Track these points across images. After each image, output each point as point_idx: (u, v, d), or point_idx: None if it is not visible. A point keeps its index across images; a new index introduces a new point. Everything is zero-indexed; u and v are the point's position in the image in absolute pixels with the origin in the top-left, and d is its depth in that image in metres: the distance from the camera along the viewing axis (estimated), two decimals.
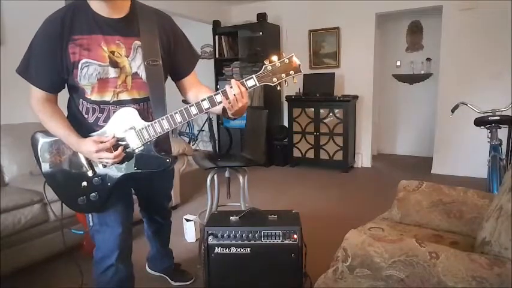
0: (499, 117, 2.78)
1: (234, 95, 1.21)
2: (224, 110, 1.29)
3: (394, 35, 5.49)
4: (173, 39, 1.39)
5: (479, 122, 2.87)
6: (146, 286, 1.89)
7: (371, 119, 4.89)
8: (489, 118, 2.81)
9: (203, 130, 5.83)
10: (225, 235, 1.63)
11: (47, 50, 1.22)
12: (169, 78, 1.47)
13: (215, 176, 2.30)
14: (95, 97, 1.29)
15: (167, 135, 1.43)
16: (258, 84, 1.23)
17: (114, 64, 1.26)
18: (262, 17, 4.81)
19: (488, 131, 2.85)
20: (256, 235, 1.62)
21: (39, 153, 1.34)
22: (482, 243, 1.12)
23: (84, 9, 1.23)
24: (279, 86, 1.25)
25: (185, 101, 1.45)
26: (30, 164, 2.61)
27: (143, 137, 1.27)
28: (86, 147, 1.24)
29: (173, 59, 1.39)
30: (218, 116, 5.34)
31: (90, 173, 1.31)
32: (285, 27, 5.20)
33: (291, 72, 1.23)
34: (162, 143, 1.40)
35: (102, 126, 1.30)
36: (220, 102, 1.24)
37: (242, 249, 1.62)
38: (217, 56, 5.33)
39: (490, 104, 3.00)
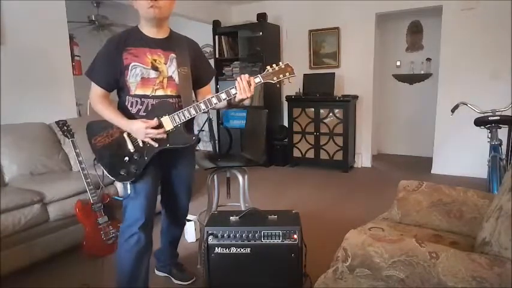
0: (499, 117, 2.79)
1: (244, 87, 1.58)
2: (228, 102, 1.67)
3: (394, 35, 5.49)
4: (198, 58, 1.82)
5: (479, 122, 2.88)
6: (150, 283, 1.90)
7: (371, 119, 4.89)
8: (489, 118, 2.81)
9: (203, 130, 5.82)
10: (225, 235, 1.63)
11: (108, 57, 1.64)
12: None
13: (215, 176, 2.30)
14: (138, 91, 1.65)
15: (192, 124, 1.79)
16: (262, 81, 1.63)
17: (155, 68, 1.66)
18: (262, 17, 4.81)
19: (488, 131, 2.86)
20: (256, 235, 1.62)
21: (91, 135, 1.68)
22: (482, 243, 1.12)
23: (137, 32, 1.68)
24: (278, 84, 1.67)
25: None
26: (30, 164, 2.62)
27: (175, 121, 1.62)
28: (136, 126, 1.59)
29: (196, 72, 1.78)
30: (218, 116, 5.35)
31: (132, 149, 1.64)
32: (285, 27, 5.20)
33: (287, 74, 1.66)
34: (188, 127, 1.75)
35: (143, 116, 1.64)
36: (235, 94, 1.60)
37: (242, 249, 1.63)
38: (217, 56, 5.33)
39: (490, 104, 3.00)
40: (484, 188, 2.88)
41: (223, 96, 1.61)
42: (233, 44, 5.30)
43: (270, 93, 5.01)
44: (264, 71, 1.64)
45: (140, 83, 1.64)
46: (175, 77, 1.70)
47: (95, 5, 5.09)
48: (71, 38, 4.36)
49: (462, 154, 4.27)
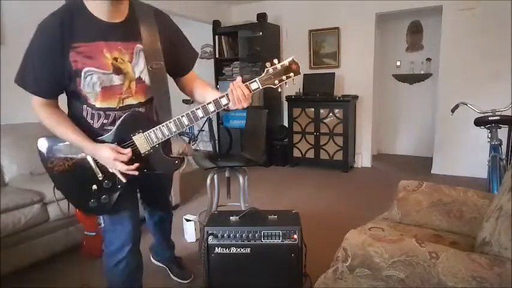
0: (499, 117, 2.78)
1: (239, 96, 1.24)
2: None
3: (394, 35, 5.49)
4: (173, 38, 1.39)
5: (479, 122, 2.87)
6: (148, 280, 1.90)
7: (371, 119, 4.89)
8: (489, 118, 2.81)
9: (203, 130, 5.83)
10: (225, 235, 1.63)
11: (45, 57, 1.19)
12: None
13: (215, 176, 2.30)
14: (99, 104, 1.28)
15: (170, 140, 1.43)
16: (261, 87, 1.28)
17: (118, 71, 1.25)
18: (262, 17, 4.80)
19: (488, 131, 2.85)
20: (256, 235, 1.62)
21: (46, 157, 1.37)
22: (482, 243, 1.12)
23: (83, 13, 1.19)
24: (280, 89, 1.30)
25: (186, 101, 1.48)
26: (30, 164, 2.62)
27: (152, 140, 1.30)
28: (103, 153, 1.25)
29: (174, 58, 1.39)
30: (218, 116, 5.35)
31: (100, 177, 1.32)
32: (285, 27, 5.20)
33: (291, 74, 1.27)
34: (166, 144, 1.41)
35: (109, 131, 1.31)
36: (226, 105, 1.27)
37: (242, 249, 1.62)
38: (217, 56, 5.33)
39: (490, 104, 3.00)
40: (484, 188, 2.88)
41: (211, 108, 1.27)
42: (233, 44, 5.30)
43: (270, 93, 4.98)
44: (263, 71, 1.28)
45: (101, 94, 1.25)
46: (145, 77, 1.31)
47: None
48: None
49: (462, 154, 4.27)
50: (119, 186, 1.34)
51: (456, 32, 4.16)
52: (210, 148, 5.58)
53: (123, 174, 1.29)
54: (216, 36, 5.25)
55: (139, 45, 1.28)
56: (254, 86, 1.27)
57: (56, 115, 1.30)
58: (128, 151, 1.26)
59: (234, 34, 5.22)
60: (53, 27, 1.17)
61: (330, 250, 1.58)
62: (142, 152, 1.31)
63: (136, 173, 1.28)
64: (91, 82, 1.22)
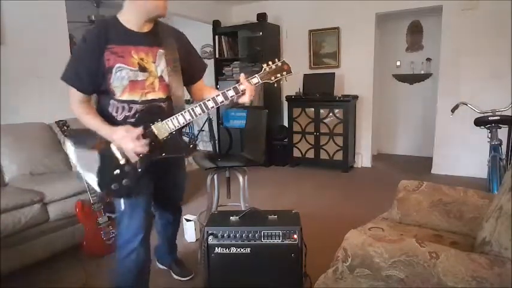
0: (499, 117, 2.79)
1: (244, 90, 1.50)
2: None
3: (394, 35, 5.49)
4: (187, 51, 1.67)
5: (479, 122, 2.88)
6: (151, 282, 1.91)
7: (371, 119, 4.89)
8: (489, 118, 2.81)
9: (203, 130, 5.83)
10: (225, 235, 1.63)
11: (86, 59, 1.45)
12: None
13: (215, 176, 2.30)
14: (125, 97, 1.49)
15: (181, 130, 1.62)
16: (260, 82, 1.53)
17: (143, 69, 1.49)
18: (262, 17, 4.81)
19: (488, 131, 2.86)
20: (256, 235, 1.62)
21: (74, 148, 1.60)
22: (482, 243, 1.12)
23: (117, 25, 1.48)
24: (276, 84, 1.57)
25: (187, 101, 1.66)
26: (30, 164, 2.62)
27: (169, 127, 1.48)
28: (116, 134, 1.42)
29: (187, 68, 1.63)
30: (218, 116, 5.35)
31: (122, 162, 1.47)
32: (285, 27, 5.20)
33: (284, 72, 1.55)
34: (180, 132, 1.62)
35: (131, 124, 1.47)
36: (232, 96, 1.50)
37: (242, 249, 1.62)
38: (217, 56, 5.33)
39: (490, 104, 3.00)
40: (484, 188, 2.88)
41: (219, 99, 1.49)
42: (233, 44, 5.30)
43: (270, 93, 5.01)
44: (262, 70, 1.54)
45: (128, 87, 1.47)
46: (166, 76, 1.54)
47: (95, 5, 5.09)
48: (71, 38, 4.35)
49: (462, 154, 4.27)
50: (139, 170, 1.48)
51: (456, 32, 4.16)
52: (210, 148, 5.58)
53: (139, 158, 1.45)
54: (216, 36, 5.25)
55: (161, 50, 1.53)
56: (255, 80, 1.53)
57: (86, 108, 1.51)
58: (139, 130, 1.42)
59: (234, 34, 5.22)
60: (92, 34, 1.46)
61: (330, 250, 1.58)
62: (160, 137, 1.48)
63: (146, 149, 1.43)
64: (120, 76, 1.45)
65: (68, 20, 3.38)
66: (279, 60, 1.54)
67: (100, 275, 2.19)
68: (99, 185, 1.51)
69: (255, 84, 1.52)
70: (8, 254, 2.06)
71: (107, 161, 1.48)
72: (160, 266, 2.23)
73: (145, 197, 1.59)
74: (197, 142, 6.03)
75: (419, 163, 5.02)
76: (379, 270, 1.07)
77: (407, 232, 1.53)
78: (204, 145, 6.07)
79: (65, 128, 2.46)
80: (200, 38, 5.59)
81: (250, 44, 5.17)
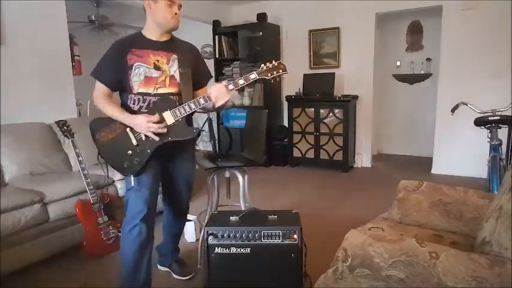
0: (499, 117, 2.79)
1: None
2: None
3: (394, 35, 5.49)
4: (197, 61, 1.94)
5: (479, 122, 2.88)
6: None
7: (371, 119, 4.89)
8: (489, 118, 2.81)
9: (203, 130, 5.81)
10: (225, 235, 1.63)
11: (113, 58, 1.75)
12: None
13: (215, 176, 2.30)
14: (141, 89, 1.74)
15: (191, 119, 1.90)
16: (257, 77, 1.76)
17: (158, 68, 1.76)
18: (262, 17, 4.80)
19: (488, 131, 2.86)
20: (256, 235, 1.62)
21: (94, 132, 1.75)
22: (482, 243, 1.12)
23: (141, 36, 1.80)
24: (272, 80, 1.80)
25: None
26: (30, 164, 2.62)
27: (176, 115, 1.71)
28: (138, 120, 1.68)
29: (196, 75, 1.87)
30: (218, 116, 5.35)
31: (134, 143, 1.71)
32: (285, 27, 5.20)
33: (280, 71, 1.79)
34: (189, 122, 1.85)
35: (145, 112, 1.72)
36: (232, 89, 1.75)
37: (242, 249, 1.62)
38: (217, 56, 5.33)
39: (490, 104, 3.00)
40: (484, 188, 2.88)
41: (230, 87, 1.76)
42: (233, 44, 5.30)
43: (270, 93, 5.02)
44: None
45: (143, 82, 1.74)
46: (177, 76, 1.79)
47: (95, 5, 5.09)
48: (71, 38, 4.36)
49: (462, 154, 4.27)
50: (148, 151, 1.70)
51: (456, 32, 4.16)
52: (210, 148, 5.58)
53: (155, 135, 1.68)
54: (216, 36, 5.25)
55: (174, 55, 1.80)
56: (252, 76, 1.75)
57: (108, 100, 1.76)
58: (157, 115, 1.68)
59: (234, 34, 5.22)
60: (120, 42, 1.80)
61: (330, 250, 1.58)
62: (169, 123, 1.71)
63: (165, 130, 1.69)
64: (138, 72, 1.73)
65: (68, 20, 3.38)
66: (275, 61, 1.79)
67: (100, 275, 2.19)
68: (113, 162, 1.74)
69: (252, 79, 1.75)
70: (8, 254, 2.06)
71: (122, 142, 1.72)
72: (161, 268, 2.22)
73: (152, 177, 1.78)
74: (197, 142, 6.03)
75: (419, 163, 5.02)
76: (379, 270, 1.07)
77: (407, 232, 1.53)
78: (204, 145, 6.07)
79: (65, 128, 2.46)
80: (200, 38, 5.58)
81: (250, 44, 5.17)
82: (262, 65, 1.78)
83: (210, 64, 5.42)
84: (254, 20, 4.88)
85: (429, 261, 1.00)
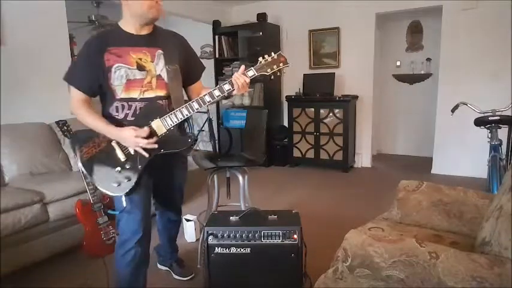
0: (499, 117, 2.78)
1: (242, 83, 1.55)
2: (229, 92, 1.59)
3: (394, 35, 5.49)
4: (186, 52, 1.71)
5: (479, 122, 2.88)
6: (148, 282, 1.90)
7: (371, 119, 4.89)
8: (489, 118, 2.81)
9: (203, 130, 5.83)
10: (225, 235, 1.63)
11: (88, 59, 1.53)
12: None
13: (215, 176, 2.30)
14: (124, 95, 1.54)
15: (184, 123, 1.68)
16: (256, 74, 1.57)
17: (141, 68, 1.55)
18: (262, 17, 4.80)
19: (488, 131, 2.86)
20: (256, 235, 1.62)
21: (77, 147, 1.58)
22: (482, 243, 1.12)
23: (117, 30, 1.57)
24: (272, 76, 1.59)
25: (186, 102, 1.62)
26: (30, 164, 2.62)
27: (167, 124, 1.53)
28: (125, 134, 1.48)
29: (186, 68, 1.67)
30: (218, 116, 5.35)
31: (122, 158, 1.54)
32: (285, 27, 5.20)
33: (280, 64, 1.57)
34: (182, 128, 1.68)
35: (131, 121, 1.53)
36: (229, 90, 1.54)
37: (242, 249, 1.62)
38: (217, 56, 5.33)
39: (490, 104, 3.00)
40: (484, 188, 2.88)
41: (216, 93, 1.54)
42: (233, 44, 5.30)
43: (270, 93, 5.01)
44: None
45: (126, 86, 1.53)
46: (164, 75, 1.59)
47: (95, 5, 5.09)
48: (71, 38, 4.35)
49: (462, 154, 4.27)
50: (139, 167, 1.53)
51: (456, 32, 4.16)
52: (210, 148, 5.57)
53: (145, 150, 1.51)
54: (216, 36, 5.25)
55: (160, 51, 1.58)
56: (250, 73, 1.56)
57: (88, 109, 1.56)
58: (146, 129, 1.49)
59: (234, 34, 5.22)
60: (95, 39, 1.56)
61: (330, 250, 1.58)
62: (159, 134, 1.53)
63: (156, 146, 1.50)
64: (119, 75, 1.51)
65: (68, 20, 3.38)
66: (275, 53, 1.58)
67: (100, 275, 2.19)
68: (101, 182, 1.56)
69: (251, 77, 1.55)
70: (8, 254, 2.06)
71: (109, 158, 1.54)
72: (161, 267, 2.23)
73: (145, 195, 1.63)
74: (197, 142, 6.03)
75: (419, 163, 5.02)
76: (379, 270, 1.07)
77: (407, 232, 1.53)
78: (204, 145, 6.07)
79: (65, 128, 2.46)
80: (200, 38, 5.59)
81: (250, 44, 5.17)
82: (260, 59, 1.57)
83: (210, 64, 5.44)
84: (254, 20, 4.87)
85: (429, 261, 1.00)
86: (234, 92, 1.56)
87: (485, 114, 2.86)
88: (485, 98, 3.64)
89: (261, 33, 4.91)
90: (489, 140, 2.85)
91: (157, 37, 1.60)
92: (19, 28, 2.95)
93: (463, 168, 4.25)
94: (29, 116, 2.88)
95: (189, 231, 2.65)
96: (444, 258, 0.99)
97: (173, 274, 2.16)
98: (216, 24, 5.17)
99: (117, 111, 1.56)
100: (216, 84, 5.30)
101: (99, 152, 1.56)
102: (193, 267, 2.20)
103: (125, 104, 1.55)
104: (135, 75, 1.54)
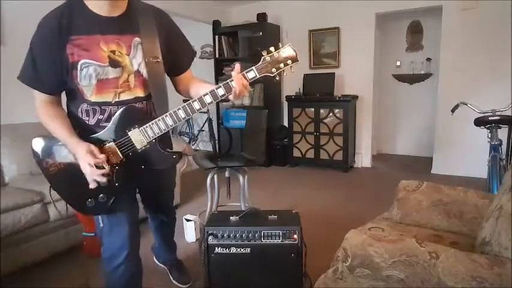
0: (499, 117, 2.78)
1: (237, 89, 1.24)
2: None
3: (394, 35, 5.49)
4: (171, 35, 1.39)
5: (479, 122, 2.87)
6: (149, 280, 1.91)
7: (371, 119, 4.89)
8: (489, 118, 2.81)
9: (203, 130, 5.83)
10: (225, 235, 1.63)
11: (45, 53, 1.20)
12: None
13: (215, 176, 2.30)
14: (95, 98, 1.27)
15: (167, 133, 1.38)
16: (258, 76, 1.27)
17: (115, 64, 1.24)
18: (262, 17, 4.80)
19: (488, 131, 2.85)
20: (256, 235, 1.62)
21: (41, 158, 1.32)
22: (482, 243, 1.12)
23: (81, 9, 1.21)
24: (278, 76, 1.28)
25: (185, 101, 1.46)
26: (30, 164, 2.61)
27: (148, 135, 1.27)
28: (80, 151, 1.21)
29: (172, 55, 1.38)
30: (218, 116, 5.35)
31: None
32: (285, 27, 5.20)
33: (289, 61, 1.26)
34: (165, 140, 1.38)
35: (104, 127, 1.28)
36: (223, 95, 1.26)
37: (242, 249, 1.62)
38: (217, 56, 5.33)
39: (490, 104, 3.00)
40: (484, 188, 2.88)
41: (207, 99, 1.26)
42: (233, 44, 5.30)
43: (270, 93, 5.01)
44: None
45: (97, 88, 1.24)
46: (143, 70, 1.29)
47: None
48: None
49: (462, 154, 4.27)
50: (117, 185, 1.29)
51: (456, 32, 4.16)
52: (210, 148, 5.58)
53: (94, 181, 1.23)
54: (216, 36, 5.25)
55: (137, 39, 1.27)
56: (251, 75, 1.27)
57: (53, 112, 1.29)
58: (102, 157, 1.22)
59: (234, 34, 5.22)
60: (51, 22, 1.19)
61: (330, 250, 1.58)
62: (138, 147, 1.28)
63: (104, 179, 1.22)
64: (87, 74, 1.21)
65: None
66: (283, 46, 1.28)
67: (100, 275, 2.19)
68: (72, 201, 1.34)
69: (251, 79, 1.28)
70: (8, 254, 2.06)
71: (80, 173, 1.24)
72: (158, 264, 2.19)
73: (129, 210, 1.41)
74: (197, 142, 6.03)
75: (419, 163, 5.02)
76: (379, 270, 1.07)
77: (407, 232, 1.53)
78: (204, 145, 6.07)
79: None
80: (200, 38, 5.59)
81: (250, 44, 5.17)
82: (264, 55, 1.28)
83: (210, 64, 5.44)
84: (254, 20, 4.87)
85: (429, 261, 1.00)
86: (231, 97, 1.26)
87: (485, 114, 2.86)
88: (485, 98, 3.64)
89: (261, 33, 4.91)
90: (489, 140, 2.85)
91: (133, 18, 1.26)
92: (19, 28, 2.95)
93: (463, 168, 4.25)
94: (29, 116, 2.88)
95: (189, 231, 2.65)
96: (444, 258, 0.99)
97: (171, 278, 2.09)
98: (216, 24, 5.17)
99: (87, 115, 1.29)
100: (216, 83, 5.30)
101: (68, 165, 1.29)
102: (193, 268, 2.18)
103: (97, 107, 1.28)
104: (108, 74, 1.24)
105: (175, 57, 1.41)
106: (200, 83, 1.45)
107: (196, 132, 5.94)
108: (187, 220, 2.65)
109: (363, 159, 4.96)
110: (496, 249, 1.03)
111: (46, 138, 1.32)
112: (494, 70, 3.99)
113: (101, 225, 1.39)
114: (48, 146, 1.32)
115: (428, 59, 5.24)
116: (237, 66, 1.28)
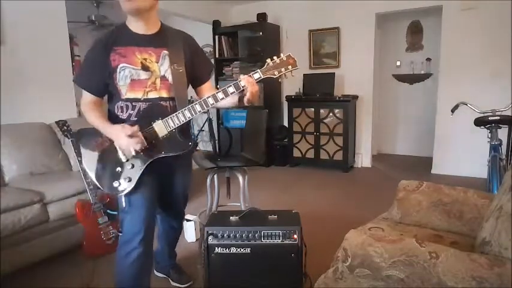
0: (499, 117, 2.78)
1: (245, 85, 1.48)
2: (240, 99, 1.56)
3: (394, 35, 5.49)
4: (194, 53, 1.69)
5: (479, 122, 2.87)
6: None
7: (371, 119, 4.89)
8: (489, 118, 2.81)
9: (203, 130, 5.82)
10: (225, 235, 1.63)
11: (95, 60, 1.54)
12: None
13: (215, 176, 2.30)
14: (128, 95, 1.54)
15: (188, 127, 1.69)
16: (262, 77, 1.51)
17: (146, 68, 1.54)
18: (262, 17, 4.81)
19: (488, 131, 2.85)
20: (256, 235, 1.62)
21: (80, 146, 1.60)
22: (482, 243, 1.12)
23: (125, 30, 1.56)
24: (280, 79, 1.55)
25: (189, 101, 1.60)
26: (30, 164, 2.62)
27: (169, 125, 1.51)
28: (112, 131, 1.49)
29: (194, 69, 1.66)
30: (218, 116, 5.35)
31: (123, 159, 1.53)
32: (285, 27, 5.20)
33: (289, 67, 1.52)
34: (184, 131, 1.62)
35: (134, 122, 1.52)
36: (233, 92, 1.50)
37: (242, 249, 1.62)
38: (217, 56, 5.33)
39: (490, 104, 3.00)
40: (484, 188, 2.88)
41: (220, 95, 1.50)
42: (233, 44, 5.30)
43: (270, 93, 5.01)
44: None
45: (130, 86, 1.53)
46: (169, 76, 1.57)
47: (95, 5, 5.10)
48: (71, 38, 4.36)
49: (462, 154, 4.27)
50: (140, 168, 1.52)
51: (456, 32, 4.16)
52: (210, 148, 5.58)
53: (145, 154, 1.50)
54: (216, 36, 5.25)
55: (165, 51, 1.57)
56: (256, 76, 1.51)
57: (93, 107, 1.58)
58: (135, 127, 1.46)
59: (234, 34, 5.22)
60: (102, 39, 1.55)
61: (330, 250, 1.58)
62: (160, 135, 1.52)
63: (139, 146, 1.46)
64: (124, 75, 1.52)
65: (68, 20, 3.38)
66: (284, 55, 1.52)
67: (100, 275, 2.19)
68: (101, 181, 1.55)
69: (257, 79, 1.50)
70: (8, 254, 2.06)
71: (110, 158, 1.53)
72: (158, 275, 2.18)
73: (148, 196, 1.59)
74: (197, 142, 6.03)
75: (419, 163, 5.02)
76: (379, 270, 1.07)
77: (407, 232, 1.53)
78: (204, 145, 6.07)
79: (65, 128, 2.46)
80: (200, 38, 5.54)
81: (250, 44, 5.17)
82: (268, 61, 1.51)
83: None
84: (254, 20, 4.88)
85: (429, 261, 1.00)
86: (245, 101, 1.51)
87: (485, 114, 2.86)
88: (485, 98, 3.65)
89: (261, 33, 4.92)
90: (489, 140, 2.85)
91: (163, 37, 1.58)
92: (19, 28, 2.95)
93: (463, 168, 4.25)
94: (29, 116, 2.88)
95: (189, 231, 2.65)
96: (444, 258, 0.99)
97: (171, 281, 2.10)
98: (216, 24, 5.17)
99: (122, 111, 1.56)
100: (216, 83, 5.31)
101: (101, 151, 1.56)
102: (193, 269, 2.19)
103: (129, 104, 1.55)
104: (140, 76, 1.53)
105: (197, 71, 1.70)
106: (216, 90, 1.71)
107: (196, 132, 5.94)
108: (187, 220, 2.65)
109: (363, 159, 4.97)
110: (496, 249, 1.03)
111: (86, 129, 1.61)
112: (494, 70, 3.99)
113: (124, 205, 1.57)
114: (87, 134, 1.60)
115: (428, 59, 5.24)
116: (242, 76, 1.53)
